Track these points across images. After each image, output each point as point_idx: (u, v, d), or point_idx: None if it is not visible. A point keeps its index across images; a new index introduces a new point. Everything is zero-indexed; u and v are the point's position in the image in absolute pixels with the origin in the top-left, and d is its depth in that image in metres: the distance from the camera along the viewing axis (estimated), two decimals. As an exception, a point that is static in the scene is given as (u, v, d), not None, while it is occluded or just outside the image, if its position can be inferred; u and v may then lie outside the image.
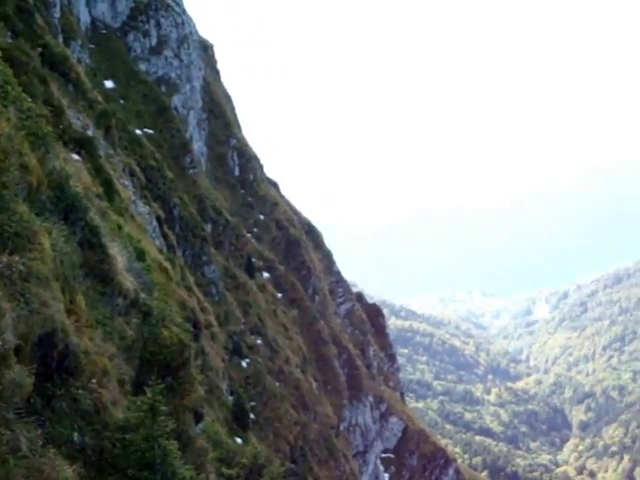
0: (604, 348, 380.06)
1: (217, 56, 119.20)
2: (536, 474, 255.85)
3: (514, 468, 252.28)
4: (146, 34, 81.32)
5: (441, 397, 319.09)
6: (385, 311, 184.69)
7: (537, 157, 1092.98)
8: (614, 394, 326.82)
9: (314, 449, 77.13)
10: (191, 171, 78.09)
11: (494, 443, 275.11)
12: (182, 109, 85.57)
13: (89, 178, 23.83)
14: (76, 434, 10.22)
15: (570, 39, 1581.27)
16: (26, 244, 10.24)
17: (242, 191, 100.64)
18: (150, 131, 71.43)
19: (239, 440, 45.90)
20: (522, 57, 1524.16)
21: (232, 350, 66.69)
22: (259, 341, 75.16)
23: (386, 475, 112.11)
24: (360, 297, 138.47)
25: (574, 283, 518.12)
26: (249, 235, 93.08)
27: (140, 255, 22.65)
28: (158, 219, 48.36)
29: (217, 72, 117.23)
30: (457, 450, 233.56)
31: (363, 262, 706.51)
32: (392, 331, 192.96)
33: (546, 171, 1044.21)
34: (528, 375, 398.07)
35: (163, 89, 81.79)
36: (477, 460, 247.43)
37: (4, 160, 10.98)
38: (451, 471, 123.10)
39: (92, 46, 68.86)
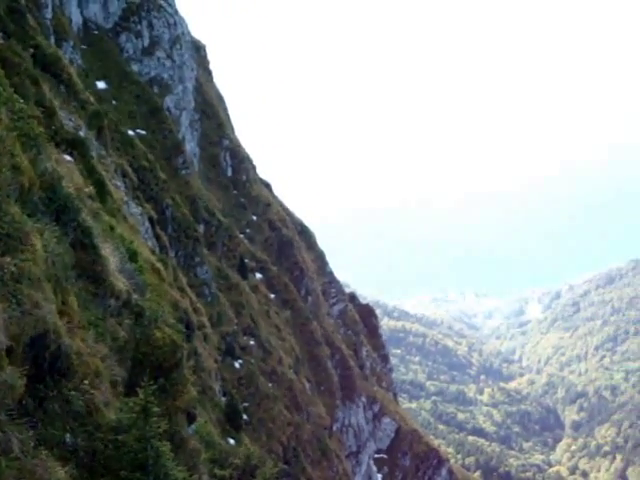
0: (596, 348, 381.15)
1: (211, 57, 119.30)
2: (529, 474, 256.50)
3: (507, 468, 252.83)
4: (138, 35, 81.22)
5: (434, 397, 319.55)
6: (378, 312, 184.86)
7: (528, 157, 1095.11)
8: (606, 394, 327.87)
9: (307, 450, 77.15)
10: (183, 172, 78.02)
11: (487, 443, 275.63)
12: (174, 110, 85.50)
13: (81, 179, 23.79)
14: (68, 435, 10.21)
15: (565, 34, 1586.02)
16: (18, 245, 10.22)
17: (235, 192, 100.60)
18: (142, 132, 71.36)
19: (232, 441, 45.87)
20: (505, 52, 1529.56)
21: (225, 351, 66.67)
22: (252, 342, 75.14)
23: (379, 475, 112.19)
24: (353, 298, 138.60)
25: (566, 283, 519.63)
26: (242, 236, 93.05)
27: (132, 256, 22.63)
28: (150, 220, 48.30)
29: (210, 73, 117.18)
30: (450, 450, 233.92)
31: (355, 262, 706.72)
32: (385, 331, 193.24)
33: (537, 172, 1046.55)
34: (521, 375, 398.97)
35: (155, 90, 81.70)
36: (470, 460, 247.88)
37: (-4, 161, 10.97)
38: (444, 471, 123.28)
39: (84, 47, 68.73)
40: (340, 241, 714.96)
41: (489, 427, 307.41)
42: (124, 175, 45.70)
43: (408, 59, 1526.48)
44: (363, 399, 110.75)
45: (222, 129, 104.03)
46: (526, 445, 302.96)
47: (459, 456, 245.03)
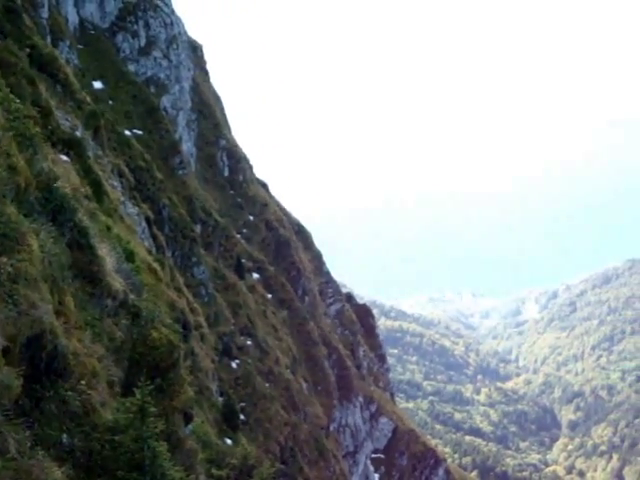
0: (593, 348, 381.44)
1: (209, 56, 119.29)
2: (525, 474, 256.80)
3: (504, 468, 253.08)
4: (135, 35, 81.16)
5: (431, 397, 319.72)
6: (375, 311, 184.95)
7: (526, 157, 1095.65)
8: (603, 394, 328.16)
9: (304, 450, 77.14)
10: (180, 172, 77.97)
11: (484, 443, 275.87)
12: (171, 110, 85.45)
13: (78, 179, 23.77)
14: (65, 436, 10.19)
15: (560, 32, 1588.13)
16: (14, 245, 10.20)
17: (231, 192, 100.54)
18: (139, 132, 71.31)
19: (229, 441, 45.88)
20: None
21: (222, 351, 66.65)
22: (249, 342, 75.12)
23: (376, 475, 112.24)
24: (350, 298, 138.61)
25: (563, 283, 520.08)
26: (239, 236, 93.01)
27: (129, 256, 22.61)
28: (147, 220, 48.27)
29: (206, 72, 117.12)
30: (447, 450, 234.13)
31: (352, 262, 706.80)
32: (382, 331, 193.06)
33: (535, 172, 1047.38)
34: (517, 375, 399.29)
35: (152, 90, 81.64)
36: (467, 460, 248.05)
37: (-8, 161, 10.95)
38: (441, 471, 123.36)
39: (80, 47, 68.64)
40: (337, 241, 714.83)
41: (486, 427, 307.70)
42: (121, 175, 45.66)
43: (407, 58, 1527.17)
44: (360, 399, 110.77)
45: (219, 129, 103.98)
46: (523, 445, 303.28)
47: (456, 456, 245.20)
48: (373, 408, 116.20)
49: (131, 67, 79.73)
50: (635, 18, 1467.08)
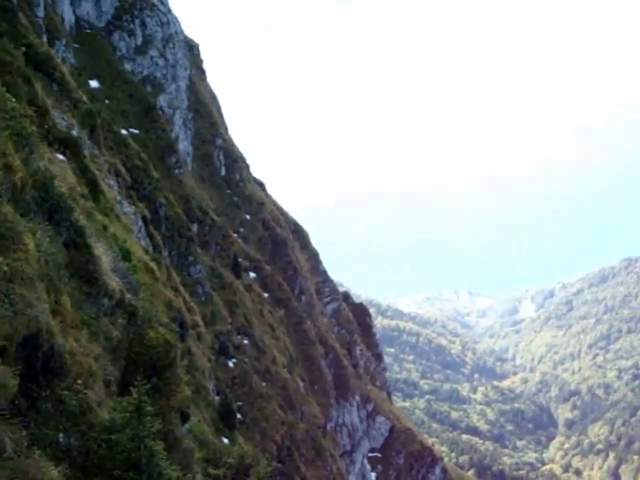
0: (590, 346, 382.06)
1: (208, 56, 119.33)
2: (522, 472, 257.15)
3: (500, 466, 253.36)
4: (131, 34, 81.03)
5: (428, 396, 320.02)
6: (372, 310, 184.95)
7: (523, 156, 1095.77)
8: (599, 392, 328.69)
9: (301, 449, 77.13)
10: (177, 171, 77.89)
11: (480, 442, 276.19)
12: (168, 109, 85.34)
13: (74, 178, 23.74)
14: (61, 435, 10.18)
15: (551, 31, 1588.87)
16: (10, 245, 10.19)
17: (228, 191, 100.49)
18: (136, 131, 71.20)
19: (226, 440, 45.83)
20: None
21: (219, 350, 66.60)
22: (246, 341, 75.10)
23: (373, 474, 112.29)
24: (347, 297, 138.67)
25: (560, 282, 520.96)
26: (235, 235, 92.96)
27: (126, 255, 22.58)
28: (144, 219, 48.20)
29: (203, 72, 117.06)
30: (444, 449, 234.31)
31: (349, 261, 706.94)
32: (379, 330, 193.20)
33: (529, 172, 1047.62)
34: (514, 374, 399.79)
35: (148, 89, 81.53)
36: (464, 459, 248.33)
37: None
38: (438, 470, 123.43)
39: (77, 46, 68.49)
40: (334, 240, 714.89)
41: (483, 425, 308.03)
42: (117, 174, 45.59)
43: (398, 60, 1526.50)
44: (357, 398, 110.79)
45: (215, 128, 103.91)
46: (519, 443, 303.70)
47: (453, 455, 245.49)
48: (370, 407, 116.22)
49: (127, 66, 79.61)
50: (620, 21, 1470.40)
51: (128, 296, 17.01)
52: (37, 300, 10.14)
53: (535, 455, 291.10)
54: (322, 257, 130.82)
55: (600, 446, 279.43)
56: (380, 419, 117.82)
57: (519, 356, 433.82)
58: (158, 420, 11.09)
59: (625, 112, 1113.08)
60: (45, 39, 48.34)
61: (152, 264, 38.37)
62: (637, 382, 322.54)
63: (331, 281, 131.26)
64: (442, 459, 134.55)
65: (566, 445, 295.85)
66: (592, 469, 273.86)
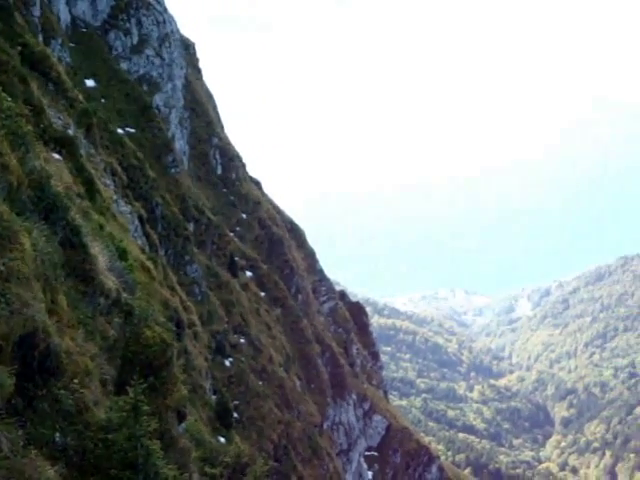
0: (586, 345, 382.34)
1: (207, 56, 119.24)
2: (519, 471, 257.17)
3: (497, 465, 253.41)
4: (127, 33, 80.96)
5: (424, 395, 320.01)
6: (368, 309, 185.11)
7: (519, 155, 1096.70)
8: (596, 390, 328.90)
9: (298, 448, 77.17)
10: (173, 170, 77.85)
11: (477, 440, 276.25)
12: (164, 108, 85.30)
13: (70, 177, 23.73)
14: (58, 434, 10.18)
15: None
16: (6, 244, 10.19)
17: (224, 190, 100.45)
18: (132, 130, 71.15)
19: (222, 439, 45.85)
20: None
21: (215, 349, 66.60)
22: (242, 340, 75.10)
23: (370, 473, 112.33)
24: (343, 295, 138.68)
25: (556, 280, 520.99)
26: (232, 234, 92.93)
27: (122, 254, 22.57)
28: (140, 218, 48.17)
29: (199, 71, 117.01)
30: (440, 447, 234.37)
31: (345, 260, 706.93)
32: (375, 329, 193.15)
33: (528, 170, 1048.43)
34: (511, 372, 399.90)
35: (144, 88, 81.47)
36: (460, 457, 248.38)
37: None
38: (434, 468, 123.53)
39: (72, 45, 68.40)
40: (331, 239, 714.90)
41: (479, 424, 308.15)
42: (113, 173, 45.56)
43: (394, 59, 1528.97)
44: (354, 397, 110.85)
45: (212, 127, 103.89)
46: (516, 442, 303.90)
47: (449, 453, 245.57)
48: (366, 406, 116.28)
49: (123, 65, 79.54)
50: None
51: (124, 295, 17.02)
52: (33, 299, 10.14)
53: (531, 453, 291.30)
54: (319, 256, 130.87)
55: (596, 444, 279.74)
56: (377, 418, 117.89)
57: (515, 355, 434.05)
58: (155, 419, 11.10)
59: (622, 107, 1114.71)
60: (41, 38, 48.28)
61: (148, 263, 38.36)
62: (633, 380, 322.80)
63: (328, 280, 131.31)
64: (439, 458, 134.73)
65: (562, 443, 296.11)
66: (588, 467, 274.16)
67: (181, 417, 16.83)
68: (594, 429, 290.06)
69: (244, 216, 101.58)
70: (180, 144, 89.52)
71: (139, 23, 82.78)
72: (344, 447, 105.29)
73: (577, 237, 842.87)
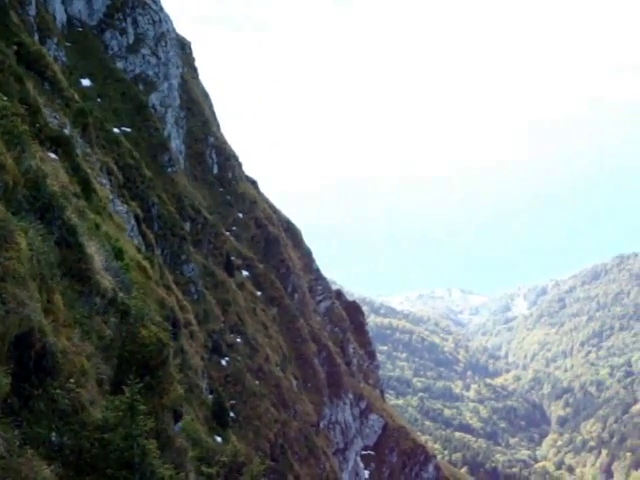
0: (582, 344, 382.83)
1: (198, 54, 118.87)
2: (515, 469, 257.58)
3: (493, 464, 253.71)
4: (123, 32, 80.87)
5: (421, 394, 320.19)
6: (364, 308, 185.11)
7: (516, 154, 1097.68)
8: (592, 389, 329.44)
9: (294, 447, 77.18)
10: (169, 169, 77.81)
11: (473, 439, 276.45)
12: (160, 107, 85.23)
13: (66, 177, 23.70)
14: (54, 434, 10.17)
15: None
16: (2, 244, 10.17)
17: (221, 189, 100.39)
18: (128, 129, 71.11)
19: (219, 439, 45.87)
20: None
21: (211, 349, 66.59)
22: (239, 339, 75.08)
23: (366, 472, 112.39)
24: (339, 295, 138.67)
25: (552, 279, 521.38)
26: (228, 233, 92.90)
27: (118, 254, 22.56)
28: (136, 218, 48.15)
29: (195, 70, 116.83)
30: (437, 446, 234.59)
31: (342, 259, 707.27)
32: (372, 328, 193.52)
33: (524, 168, 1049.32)
34: (507, 371, 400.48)
35: (141, 87, 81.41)
36: (457, 456, 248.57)
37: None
38: (431, 467, 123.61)
39: (68, 44, 68.32)
40: (329, 238, 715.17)
41: (475, 423, 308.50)
42: (109, 173, 45.52)
43: (392, 58, 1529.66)
44: (350, 396, 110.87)
45: (208, 126, 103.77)
46: (512, 441, 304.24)
47: (446, 452, 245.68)
48: (363, 405, 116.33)
49: (119, 64, 79.47)
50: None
51: (120, 295, 17.00)
52: (29, 299, 10.13)
53: (528, 452, 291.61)
54: (315, 255, 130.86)
55: (592, 443, 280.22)
56: (373, 417, 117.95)
57: (512, 354, 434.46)
58: (151, 419, 11.08)
59: (618, 106, 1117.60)
60: (37, 38, 48.26)
61: (145, 263, 38.36)
62: (629, 379, 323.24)
63: (324, 279, 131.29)
64: (435, 456, 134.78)
65: (559, 442, 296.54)
66: (585, 466, 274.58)
67: (177, 416, 16.83)
68: (590, 428, 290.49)
69: (240, 215, 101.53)
70: (176, 143, 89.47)
71: (135, 22, 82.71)
72: (340, 446, 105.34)
73: (573, 236, 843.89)
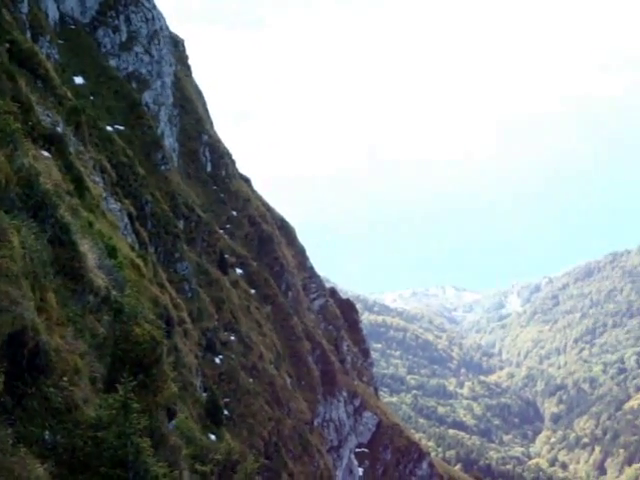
0: (575, 341, 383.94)
1: (193, 52, 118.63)
2: (509, 466, 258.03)
3: (487, 461, 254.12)
4: (116, 29, 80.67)
5: (414, 391, 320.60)
6: (358, 306, 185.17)
7: (513, 152, 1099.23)
8: (585, 386, 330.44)
9: (288, 445, 77.21)
10: (163, 167, 77.67)
11: (467, 436, 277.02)
12: (153, 105, 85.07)
13: (59, 175, 23.65)
14: (47, 433, 10.15)
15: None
16: (-5, 242, 10.15)
17: (214, 187, 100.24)
18: (121, 127, 70.94)
19: (213, 436, 45.86)
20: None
21: (205, 347, 66.55)
22: (232, 337, 75.05)
23: (360, 469, 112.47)
24: (333, 292, 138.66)
25: (546, 276, 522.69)
26: (222, 231, 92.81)
27: (111, 252, 22.53)
28: (130, 216, 48.07)
29: (188, 68, 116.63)
30: (431, 444, 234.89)
31: (338, 258, 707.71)
32: (365, 326, 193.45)
33: (521, 167, 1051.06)
34: (501, 368, 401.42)
35: (134, 85, 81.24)
36: (451, 453, 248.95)
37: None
38: (425, 465, 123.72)
39: (61, 42, 68.14)
40: (323, 235, 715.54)
41: (469, 420, 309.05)
42: (103, 171, 45.42)
43: (391, 58, 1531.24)
44: (344, 394, 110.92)
45: (201, 124, 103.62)
46: (506, 438, 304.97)
47: (440, 449, 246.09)
48: (357, 403, 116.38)
49: (112, 62, 79.27)
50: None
51: (114, 293, 16.98)
52: (22, 297, 10.10)
53: (521, 449, 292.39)
54: (309, 253, 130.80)
55: (586, 440, 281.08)
56: (367, 414, 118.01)
57: (505, 351, 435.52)
58: (144, 417, 11.07)
59: (609, 102, 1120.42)
60: (29, 35, 48.14)
61: (138, 261, 38.31)
62: (622, 376, 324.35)
63: (318, 277, 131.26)
64: (429, 454, 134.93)
65: (552, 439, 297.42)
66: (578, 463, 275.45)
67: (171, 415, 16.81)
68: (583, 425, 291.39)
69: (234, 213, 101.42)
70: (169, 141, 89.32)
71: (128, 20, 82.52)
72: (334, 444, 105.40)
73: (567, 233, 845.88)
